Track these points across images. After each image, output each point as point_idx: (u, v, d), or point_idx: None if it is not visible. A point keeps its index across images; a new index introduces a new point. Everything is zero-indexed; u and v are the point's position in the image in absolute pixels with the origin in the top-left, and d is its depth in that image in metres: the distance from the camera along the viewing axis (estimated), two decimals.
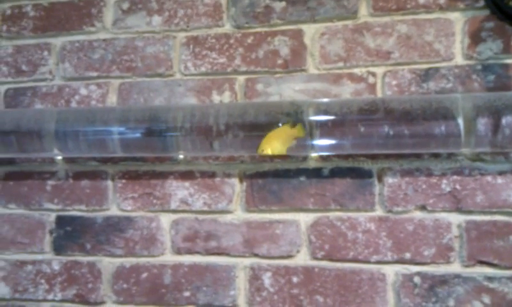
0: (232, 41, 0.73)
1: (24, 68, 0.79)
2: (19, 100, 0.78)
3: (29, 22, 0.80)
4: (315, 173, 0.68)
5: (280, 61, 0.71)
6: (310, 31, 0.70)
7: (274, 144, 0.61)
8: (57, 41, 0.78)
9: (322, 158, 0.67)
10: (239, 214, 0.69)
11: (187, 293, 0.69)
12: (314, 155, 0.67)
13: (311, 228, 0.67)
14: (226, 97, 0.72)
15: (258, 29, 0.72)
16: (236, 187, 0.70)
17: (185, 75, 0.74)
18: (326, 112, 0.61)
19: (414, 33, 0.67)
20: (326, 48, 0.69)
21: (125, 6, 0.77)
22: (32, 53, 0.79)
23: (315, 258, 0.66)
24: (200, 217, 0.71)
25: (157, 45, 0.75)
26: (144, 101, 0.74)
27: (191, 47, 0.74)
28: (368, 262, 0.65)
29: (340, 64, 0.69)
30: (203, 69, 0.73)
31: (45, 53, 0.79)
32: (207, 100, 0.72)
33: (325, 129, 0.60)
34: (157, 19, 0.75)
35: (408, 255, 0.64)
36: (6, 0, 0.81)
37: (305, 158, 0.68)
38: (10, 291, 0.75)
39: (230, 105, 0.66)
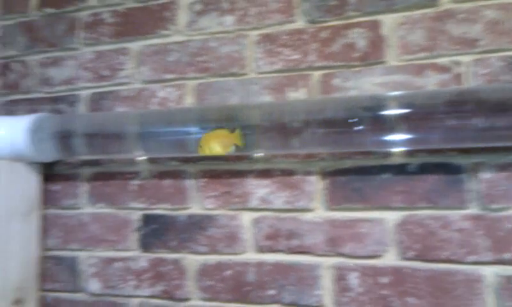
0: (305, 36, 0.71)
1: (104, 73, 0.83)
2: (101, 104, 0.82)
3: (108, 28, 0.83)
4: (401, 169, 0.65)
5: (356, 54, 0.69)
6: (387, 21, 0.68)
7: (213, 146, 0.61)
8: (134, 46, 0.81)
9: (408, 153, 0.65)
10: (320, 212, 0.68)
11: (271, 292, 0.69)
12: (398, 150, 0.65)
13: (399, 227, 0.64)
14: (302, 94, 0.71)
15: (333, 23, 0.70)
16: (316, 185, 0.69)
17: (260, 73, 0.73)
18: (409, 105, 0.58)
19: (502, 18, 0.62)
20: (406, 38, 0.67)
21: (198, 7, 0.78)
22: (111, 58, 0.82)
23: (405, 258, 0.64)
24: (281, 215, 0.70)
25: (230, 45, 0.75)
26: (220, 101, 0.75)
27: (264, 44, 0.73)
28: (464, 263, 0.61)
29: (422, 54, 0.66)
30: (277, 66, 0.72)
31: (124, 57, 0.82)
32: (282, 97, 0.72)
33: (409, 123, 0.58)
34: (229, 19, 0.76)
35: (508, 255, 0.59)
36: (85, 8, 0.85)
37: (389, 154, 0.66)
38: (101, 287, 0.78)
39: (307, 102, 0.65)
